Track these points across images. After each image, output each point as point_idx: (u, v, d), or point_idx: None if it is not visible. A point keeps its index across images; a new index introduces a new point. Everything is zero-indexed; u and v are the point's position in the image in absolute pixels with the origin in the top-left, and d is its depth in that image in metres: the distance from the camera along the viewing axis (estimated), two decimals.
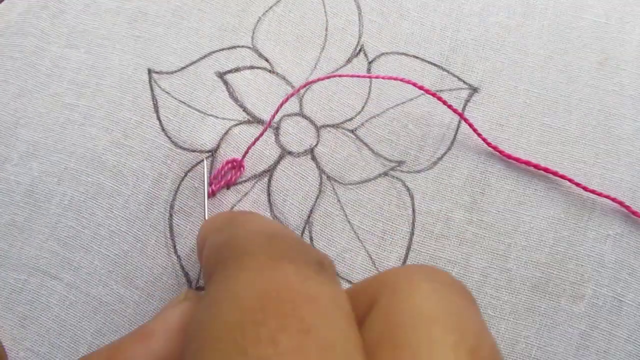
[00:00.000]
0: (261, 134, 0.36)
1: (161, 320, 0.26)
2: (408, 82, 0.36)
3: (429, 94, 0.36)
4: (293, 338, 0.17)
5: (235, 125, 0.37)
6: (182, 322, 0.26)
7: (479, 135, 0.37)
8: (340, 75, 0.36)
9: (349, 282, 0.36)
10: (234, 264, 0.21)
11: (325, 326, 0.18)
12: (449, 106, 0.37)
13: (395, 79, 0.36)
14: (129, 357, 0.25)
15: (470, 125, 0.37)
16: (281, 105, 0.35)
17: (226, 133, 0.37)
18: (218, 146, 0.37)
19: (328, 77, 0.36)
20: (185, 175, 0.36)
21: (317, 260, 0.22)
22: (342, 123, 0.38)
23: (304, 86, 0.37)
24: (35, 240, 0.35)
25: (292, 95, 0.35)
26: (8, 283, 0.34)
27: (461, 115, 0.37)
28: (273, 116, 0.35)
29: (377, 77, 0.36)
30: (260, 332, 0.17)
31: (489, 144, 0.37)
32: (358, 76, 0.36)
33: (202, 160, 0.36)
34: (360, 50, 0.39)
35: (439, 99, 0.36)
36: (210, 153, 0.37)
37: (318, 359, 0.17)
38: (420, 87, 0.36)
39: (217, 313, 0.19)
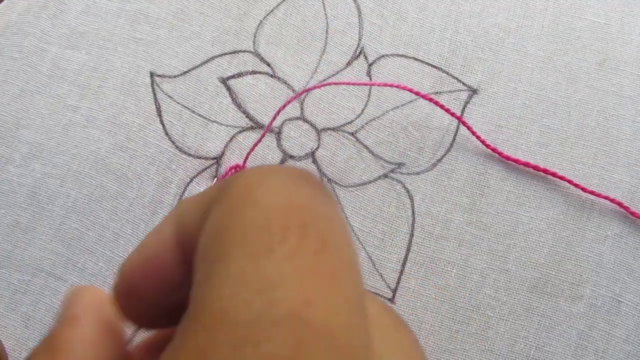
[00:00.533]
0: (258, 141, 0.36)
1: (78, 304, 0.27)
2: (404, 88, 0.37)
3: (426, 99, 0.37)
4: (316, 244, 0.19)
5: (239, 131, 0.38)
6: (100, 300, 0.26)
7: (478, 137, 0.38)
8: (337, 83, 0.37)
9: None
10: (252, 177, 0.22)
11: (342, 243, 0.20)
12: (447, 110, 0.37)
13: (392, 85, 0.37)
14: (65, 343, 0.26)
15: (469, 128, 0.38)
16: (279, 111, 0.36)
17: (230, 140, 0.38)
18: (223, 153, 0.38)
19: (325, 85, 0.37)
20: (191, 181, 0.37)
21: (329, 192, 0.23)
22: (342, 126, 0.39)
23: (302, 93, 0.38)
24: (39, 241, 0.36)
25: (289, 102, 0.36)
26: (12, 284, 0.35)
27: (459, 119, 0.38)
28: (270, 123, 0.36)
29: (373, 84, 0.37)
30: (286, 235, 0.19)
31: (487, 146, 0.38)
32: (355, 84, 0.37)
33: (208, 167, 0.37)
34: (360, 53, 0.40)
35: (436, 103, 0.37)
36: (215, 160, 0.38)
37: (331, 271, 0.19)
38: (417, 93, 0.37)
39: (239, 217, 0.20)
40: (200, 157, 0.38)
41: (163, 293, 0.24)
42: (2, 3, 0.38)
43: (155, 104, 0.38)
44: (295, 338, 0.17)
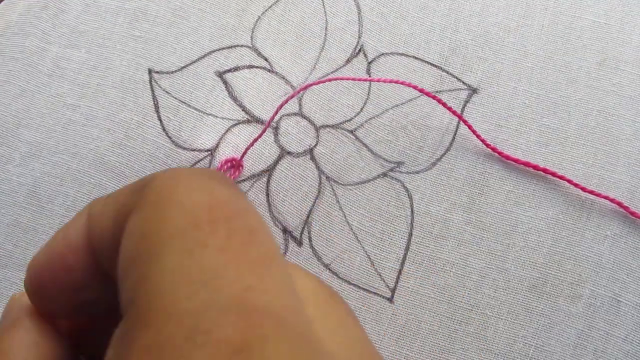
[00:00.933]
0: (259, 136, 0.38)
1: (18, 309, 0.27)
2: (408, 85, 0.38)
3: (429, 96, 0.38)
4: (244, 235, 0.21)
5: (235, 124, 0.39)
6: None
7: (478, 136, 0.39)
8: (339, 79, 0.38)
9: (348, 282, 0.38)
10: (169, 180, 0.23)
11: (264, 233, 0.21)
12: (449, 108, 0.39)
13: (396, 82, 0.38)
14: (7, 346, 0.26)
15: (469, 127, 0.39)
16: (280, 107, 0.37)
17: (225, 132, 0.39)
18: (217, 145, 0.39)
19: (328, 80, 0.38)
20: None
21: (239, 188, 0.24)
22: (341, 123, 0.40)
23: (303, 89, 0.39)
24: (40, 240, 0.37)
25: (290, 97, 0.37)
26: (14, 283, 0.37)
27: (460, 117, 0.39)
28: (272, 118, 0.37)
29: (378, 81, 0.38)
30: (215, 229, 0.20)
31: (487, 145, 0.39)
32: (358, 79, 0.38)
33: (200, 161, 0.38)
34: (359, 51, 0.41)
35: (439, 101, 0.38)
36: (209, 152, 0.39)
37: (262, 258, 0.20)
38: (421, 90, 0.38)
39: (165, 217, 0.21)
40: (194, 150, 0.39)
41: (71, 292, 0.24)
42: (2, 3, 0.39)
43: (153, 101, 0.39)
44: (243, 322, 0.18)
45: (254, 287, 0.19)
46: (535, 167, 0.39)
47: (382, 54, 0.41)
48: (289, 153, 0.39)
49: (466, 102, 0.40)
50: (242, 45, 0.40)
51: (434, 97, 0.38)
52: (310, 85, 0.39)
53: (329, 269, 0.38)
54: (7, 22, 0.39)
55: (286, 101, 0.37)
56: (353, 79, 0.39)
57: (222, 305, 0.18)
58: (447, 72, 0.41)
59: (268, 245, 0.21)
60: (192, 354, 0.17)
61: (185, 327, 0.18)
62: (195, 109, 0.39)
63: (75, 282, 0.24)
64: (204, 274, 0.19)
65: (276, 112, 0.37)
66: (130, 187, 0.24)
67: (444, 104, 0.39)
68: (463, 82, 0.40)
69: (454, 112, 0.39)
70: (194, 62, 0.40)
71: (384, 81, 0.38)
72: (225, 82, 0.40)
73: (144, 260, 0.20)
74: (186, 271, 0.19)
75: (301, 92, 0.40)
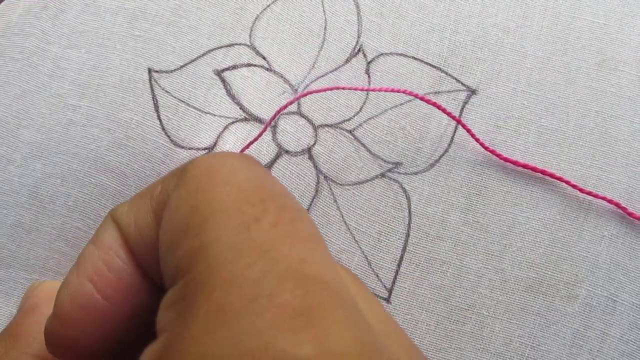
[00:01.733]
0: (255, 139, 0.40)
1: (37, 295, 0.29)
2: (410, 94, 0.40)
3: (430, 103, 0.40)
4: (292, 213, 0.23)
5: (232, 123, 0.41)
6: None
7: (477, 140, 0.41)
8: (338, 88, 0.40)
9: None
10: (211, 160, 0.25)
11: (305, 212, 0.24)
12: (448, 114, 0.41)
13: (398, 91, 0.40)
14: (24, 329, 0.29)
15: (468, 131, 0.41)
16: (279, 111, 0.39)
17: (223, 131, 0.41)
18: (215, 144, 0.41)
19: (329, 89, 0.40)
20: None
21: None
22: (340, 123, 0.42)
23: (303, 95, 0.41)
24: (43, 241, 0.40)
25: (290, 103, 0.39)
26: (20, 283, 0.39)
27: (459, 121, 0.41)
28: (268, 124, 0.39)
29: (380, 90, 0.40)
30: (266, 207, 0.23)
31: (486, 148, 0.41)
32: (355, 89, 0.41)
33: None
34: (359, 50, 0.43)
35: (439, 107, 0.40)
36: (207, 150, 0.41)
37: (309, 235, 0.23)
38: (422, 98, 0.40)
39: (215, 192, 0.23)
40: (192, 149, 0.41)
41: (121, 302, 0.26)
42: (2, 4, 0.41)
43: (153, 100, 0.41)
44: (301, 289, 0.21)
45: (306, 259, 0.22)
46: (534, 169, 0.41)
47: (382, 54, 0.43)
48: (286, 152, 0.41)
49: (465, 103, 0.42)
50: (240, 44, 0.42)
51: (432, 104, 0.40)
52: (312, 92, 0.41)
53: None
54: (7, 22, 0.41)
55: (285, 107, 0.39)
56: (350, 88, 0.41)
57: (280, 275, 0.21)
58: (446, 73, 0.42)
59: (311, 223, 0.24)
60: (256, 315, 0.20)
61: (248, 292, 0.20)
62: (194, 107, 0.41)
63: (128, 286, 0.26)
64: (260, 247, 0.22)
65: (274, 117, 0.39)
66: (165, 177, 0.26)
67: (444, 110, 0.41)
68: (462, 83, 0.42)
69: (453, 117, 0.41)
70: (193, 60, 0.42)
71: (387, 91, 0.40)
72: (223, 81, 0.42)
73: (198, 231, 0.22)
74: (244, 243, 0.22)
75: (300, 91, 0.42)
